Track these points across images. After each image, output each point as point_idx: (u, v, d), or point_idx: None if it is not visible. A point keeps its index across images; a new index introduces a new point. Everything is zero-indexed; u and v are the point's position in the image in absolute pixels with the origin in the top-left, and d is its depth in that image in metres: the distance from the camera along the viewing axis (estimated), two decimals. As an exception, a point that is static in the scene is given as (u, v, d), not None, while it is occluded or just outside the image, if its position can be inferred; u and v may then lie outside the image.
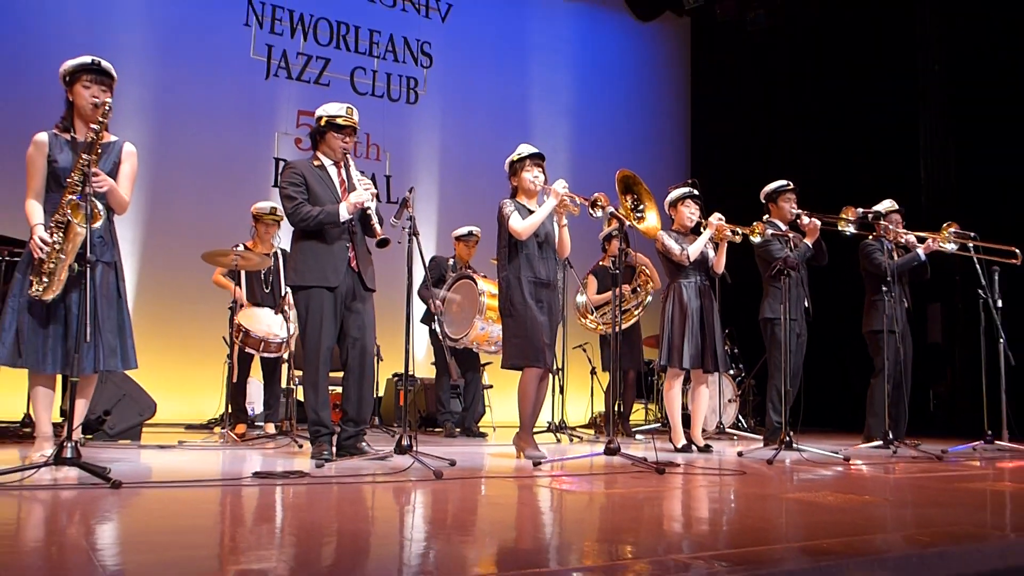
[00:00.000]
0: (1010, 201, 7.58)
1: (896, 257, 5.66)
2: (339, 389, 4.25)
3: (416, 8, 9.23)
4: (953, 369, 7.94)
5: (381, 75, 8.94)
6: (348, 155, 4.17)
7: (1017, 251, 5.73)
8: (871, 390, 5.64)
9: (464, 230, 6.72)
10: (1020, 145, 7.62)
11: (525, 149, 4.57)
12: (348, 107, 4.15)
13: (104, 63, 3.49)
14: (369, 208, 4.01)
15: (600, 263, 6.84)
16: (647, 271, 6.43)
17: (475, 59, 9.48)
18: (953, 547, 1.67)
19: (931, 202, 8.22)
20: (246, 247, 5.67)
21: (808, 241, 5.36)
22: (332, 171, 4.14)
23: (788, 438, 4.69)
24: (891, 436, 5.26)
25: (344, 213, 3.95)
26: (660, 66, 10.85)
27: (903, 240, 5.74)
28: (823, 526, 2.23)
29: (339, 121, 4.09)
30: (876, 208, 5.73)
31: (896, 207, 5.86)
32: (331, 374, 4.21)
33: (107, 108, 3.33)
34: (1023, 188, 7.58)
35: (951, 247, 5.71)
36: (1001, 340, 5.63)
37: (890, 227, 5.65)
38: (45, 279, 3.30)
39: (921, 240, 5.75)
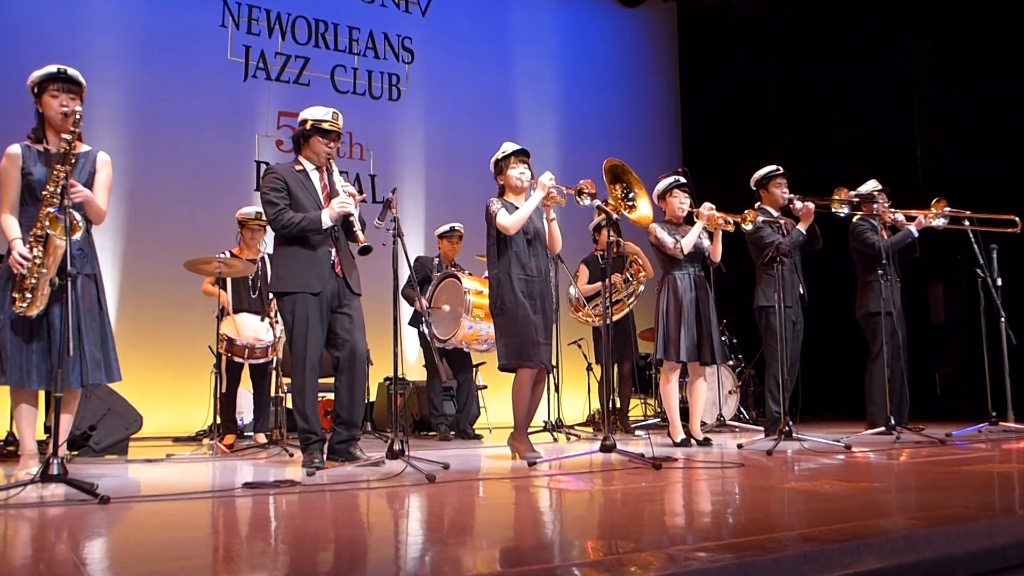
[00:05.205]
0: (1005, 174, 7.61)
1: (886, 237, 5.64)
2: (330, 396, 4.25)
3: (396, 3, 9.21)
4: (957, 350, 7.98)
5: (362, 72, 8.93)
6: (332, 160, 4.17)
7: (1016, 219, 5.74)
8: (869, 375, 5.62)
9: (446, 227, 6.68)
10: (1012, 119, 7.67)
11: (509, 147, 4.57)
12: (334, 112, 4.13)
13: (71, 71, 3.47)
14: (352, 215, 4.00)
15: (593, 252, 6.85)
16: (639, 260, 6.43)
17: (458, 53, 9.47)
18: (941, 529, 1.70)
19: (927, 180, 8.26)
20: (232, 254, 5.69)
21: (802, 226, 5.36)
22: (315, 176, 4.13)
23: (788, 428, 4.72)
24: (893, 422, 5.23)
25: (327, 220, 3.94)
26: (647, 53, 10.85)
27: (890, 219, 5.67)
28: (821, 514, 2.27)
29: (325, 126, 4.07)
30: (860, 190, 5.71)
31: (880, 187, 5.76)
32: (321, 380, 4.22)
33: (77, 117, 3.32)
34: (1016, 160, 7.63)
35: (941, 223, 5.68)
36: (1002, 319, 5.64)
37: (881, 206, 5.63)
38: (28, 295, 3.30)
39: (911, 218, 5.72)
